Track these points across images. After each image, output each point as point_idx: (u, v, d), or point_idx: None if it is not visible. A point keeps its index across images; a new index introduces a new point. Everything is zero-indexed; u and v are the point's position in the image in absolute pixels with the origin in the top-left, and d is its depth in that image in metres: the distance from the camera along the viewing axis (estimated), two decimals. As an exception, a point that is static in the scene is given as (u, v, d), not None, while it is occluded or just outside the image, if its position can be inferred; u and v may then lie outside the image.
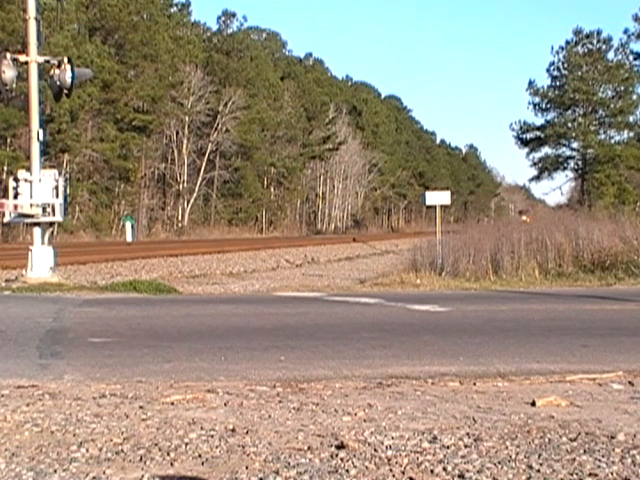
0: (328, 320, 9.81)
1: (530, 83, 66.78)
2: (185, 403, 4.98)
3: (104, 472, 3.50)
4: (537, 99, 66.55)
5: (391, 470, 3.54)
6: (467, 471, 3.52)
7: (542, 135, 66.06)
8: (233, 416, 4.60)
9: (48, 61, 15.51)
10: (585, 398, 5.20)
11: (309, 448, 3.89)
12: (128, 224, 42.81)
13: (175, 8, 69.21)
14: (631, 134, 65.50)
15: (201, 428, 4.30)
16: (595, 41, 65.19)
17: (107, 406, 4.88)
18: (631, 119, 65.11)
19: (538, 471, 3.52)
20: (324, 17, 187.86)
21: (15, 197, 14.69)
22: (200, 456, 3.76)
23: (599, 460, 3.70)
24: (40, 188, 14.61)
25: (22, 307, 11.12)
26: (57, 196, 14.64)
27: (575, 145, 66.59)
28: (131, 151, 56.71)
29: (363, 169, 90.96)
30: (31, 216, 14.67)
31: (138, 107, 57.72)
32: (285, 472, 3.48)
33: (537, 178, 68.37)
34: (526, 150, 67.41)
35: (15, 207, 14.62)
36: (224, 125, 65.75)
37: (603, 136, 66.09)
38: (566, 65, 65.80)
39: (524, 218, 64.55)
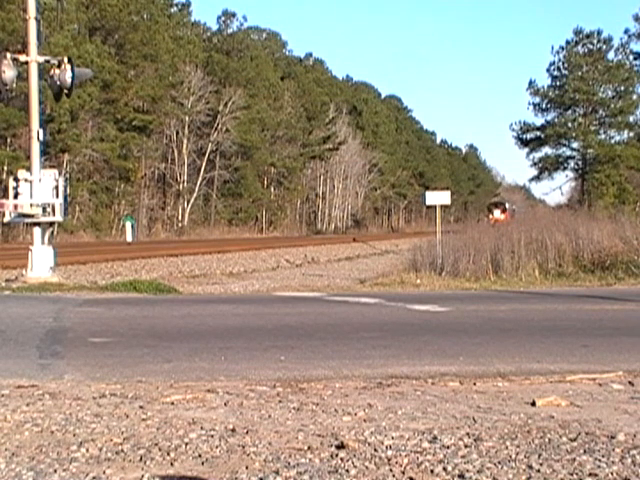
0: (328, 320, 9.80)
1: (530, 83, 66.85)
2: (185, 403, 4.98)
3: (104, 472, 3.50)
4: (537, 99, 66.60)
5: (391, 470, 3.54)
6: (467, 471, 3.52)
7: (542, 135, 66.04)
8: (233, 416, 4.60)
9: (48, 61, 15.51)
10: (585, 398, 5.20)
11: (309, 448, 3.89)
12: (128, 224, 42.78)
13: (175, 8, 69.23)
14: (631, 134, 65.50)
15: (201, 428, 4.30)
16: (595, 41, 65.20)
17: (107, 406, 4.88)
18: (631, 119, 65.16)
19: (538, 471, 3.52)
20: (324, 17, 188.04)
21: (15, 197, 14.69)
22: (200, 456, 3.76)
23: (599, 460, 3.70)
24: (40, 188, 14.61)
25: (22, 307, 11.12)
26: (57, 196, 14.64)
27: (575, 145, 66.60)
28: (131, 151, 56.72)
29: (363, 169, 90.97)
30: (31, 216, 14.67)
31: (138, 107, 57.72)
32: (285, 472, 3.48)
33: (537, 178, 68.37)
34: (526, 150, 67.45)
35: (15, 207, 14.63)
36: (224, 125, 65.76)
37: (603, 136, 66.10)
38: (566, 65, 65.79)
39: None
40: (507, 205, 68.51)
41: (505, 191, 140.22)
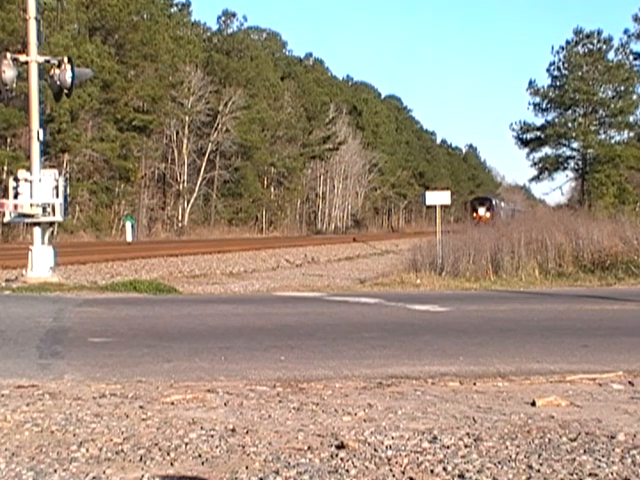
0: (328, 320, 9.80)
1: (530, 83, 66.90)
2: (185, 403, 4.98)
3: (104, 472, 3.50)
4: (537, 99, 66.64)
5: (391, 470, 3.54)
6: (467, 471, 3.52)
7: (542, 135, 66.05)
8: (233, 416, 4.60)
9: (48, 61, 15.51)
10: (585, 398, 5.20)
11: (309, 448, 3.89)
12: (128, 224, 42.78)
13: (175, 8, 69.25)
14: (631, 134, 65.54)
15: (201, 428, 4.30)
16: (595, 41, 65.22)
17: (107, 406, 4.88)
18: (631, 119, 65.20)
19: (538, 471, 3.52)
20: (324, 17, 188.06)
21: (15, 197, 14.69)
22: (200, 456, 3.76)
23: (599, 460, 3.69)
24: (40, 188, 14.61)
25: (22, 307, 11.12)
26: (57, 196, 14.64)
27: (575, 145, 66.61)
28: (131, 151, 56.72)
29: (363, 169, 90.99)
30: (31, 216, 14.66)
31: (138, 107, 57.72)
32: (285, 472, 3.48)
33: (537, 178, 68.37)
34: (526, 150, 67.47)
35: (15, 207, 14.62)
36: (224, 125, 65.77)
37: (603, 136, 66.12)
38: (566, 65, 65.82)
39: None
40: (494, 201, 65.56)
41: (505, 191, 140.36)
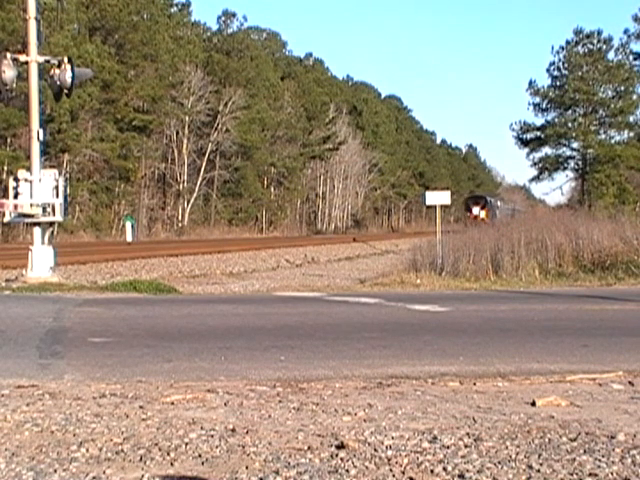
0: (328, 320, 9.80)
1: (530, 83, 66.80)
2: (185, 403, 4.98)
3: (104, 472, 3.50)
4: (537, 99, 66.55)
5: (391, 470, 3.54)
6: (467, 471, 3.52)
7: (542, 135, 65.97)
8: (233, 416, 4.60)
9: (48, 61, 15.51)
10: (585, 398, 5.20)
11: (309, 448, 3.88)
12: (128, 224, 42.77)
13: (175, 8, 69.25)
14: (631, 134, 65.45)
15: (201, 428, 4.30)
16: (595, 41, 65.15)
17: (107, 406, 4.88)
18: (631, 119, 65.09)
19: (538, 471, 3.52)
20: (324, 17, 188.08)
21: (15, 197, 14.69)
22: (200, 456, 3.76)
23: (599, 460, 3.69)
24: (40, 188, 14.61)
25: (22, 307, 11.12)
26: (57, 196, 14.64)
27: (575, 145, 66.53)
28: (131, 151, 56.71)
29: (363, 169, 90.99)
30: (31, 216, 14.66)
31: (138, 107, 57.72)
32: (285, 472, 3.48)
33: (537, 178, 68.27)
34: (526, 150, 67.40)
35: (15, 207, 14.62)
36: (224, 125, 65.76)
37: (603, 136, 66.04)
38: (566, 65, 65.75)
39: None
40: (489, 200, 64.21)
41: (505, 191, 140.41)
